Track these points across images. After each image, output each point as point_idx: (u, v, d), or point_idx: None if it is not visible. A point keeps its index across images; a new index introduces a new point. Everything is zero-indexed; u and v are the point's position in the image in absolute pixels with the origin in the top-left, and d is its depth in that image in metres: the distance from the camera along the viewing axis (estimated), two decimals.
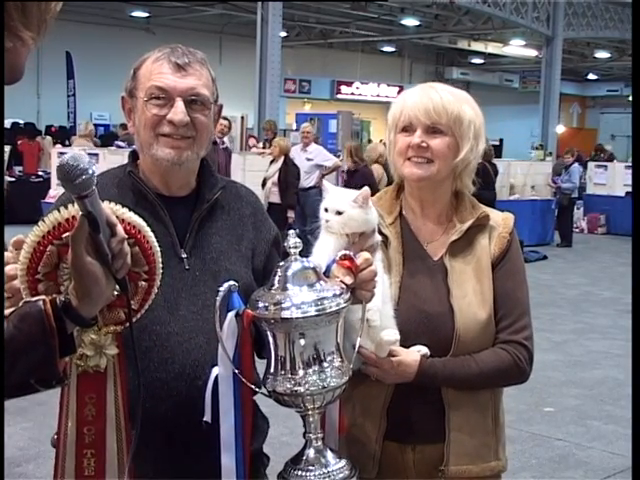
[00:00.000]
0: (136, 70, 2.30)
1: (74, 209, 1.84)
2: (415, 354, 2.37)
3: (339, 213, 2.23)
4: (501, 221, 2.54)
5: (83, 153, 1.64)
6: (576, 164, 19.23)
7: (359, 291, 2.11)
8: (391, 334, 2.31)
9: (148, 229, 1.95)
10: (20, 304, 1.73)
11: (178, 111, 2.22)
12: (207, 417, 2.14)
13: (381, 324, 2.26)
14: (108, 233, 1.71)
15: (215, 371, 2.13)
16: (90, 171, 1.61)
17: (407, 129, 2.46)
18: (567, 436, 6.56)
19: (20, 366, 1.70)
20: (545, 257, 16.51)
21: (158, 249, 1.97)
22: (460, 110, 2.43)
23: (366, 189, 2.28)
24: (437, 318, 2.42)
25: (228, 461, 2.09)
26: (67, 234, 1.84)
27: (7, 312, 1.71)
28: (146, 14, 26.55)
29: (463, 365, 2.40)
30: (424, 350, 2.38)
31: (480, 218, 2.50)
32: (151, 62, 2.27)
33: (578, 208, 20.74)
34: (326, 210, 2.25)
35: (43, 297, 1.71)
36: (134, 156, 2.39)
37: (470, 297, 2.43)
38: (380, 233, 2.40)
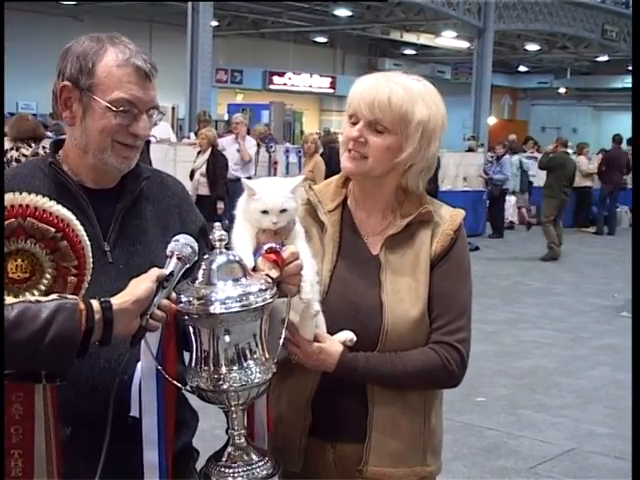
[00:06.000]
0: (94, 65, 2.18)
1: (9, 198, 1.83)
2: (338, 345, 2.29)
3: (283, 211, 2.16)
4: (448, 217, 2.43)
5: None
6: (507, 155, 19.42)
7: (285, 285, 2.09)
8: (314, 307, 2.22)
9: (77, 223, 1.93)
10: (55, 296, 1.86)
11: (146, 126, 2.22)
12: (134, 412, 2.10)
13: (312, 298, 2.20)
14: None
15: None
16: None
17: (353, 119, 2.35)
18: (498, 425, 6.62)
19: (43, 355, 1.81)
20: (477, 248, 16.64)
21: (88, 243, 1.94)
22: (408, 109, 2.28)
23: (302, 178, 2.26)
24: (366, 312, 2.34)
25: (151, 457, 2.06)
26: None
27: (43, 298, 1.84)
28: (74, 1, 26.04)
29: (386, 362, 2.31)
30: (350, 335, 2.30)
31: (422, 214, 2.39)
32: (115, 66, 2.17)
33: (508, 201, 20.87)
34: (265, 212, 2.14)
35: (77, 299, 1.88)
36: (56, 146, 2.32)
37: (403, 293, 2.35)
38: (317, 220, 2.38)
